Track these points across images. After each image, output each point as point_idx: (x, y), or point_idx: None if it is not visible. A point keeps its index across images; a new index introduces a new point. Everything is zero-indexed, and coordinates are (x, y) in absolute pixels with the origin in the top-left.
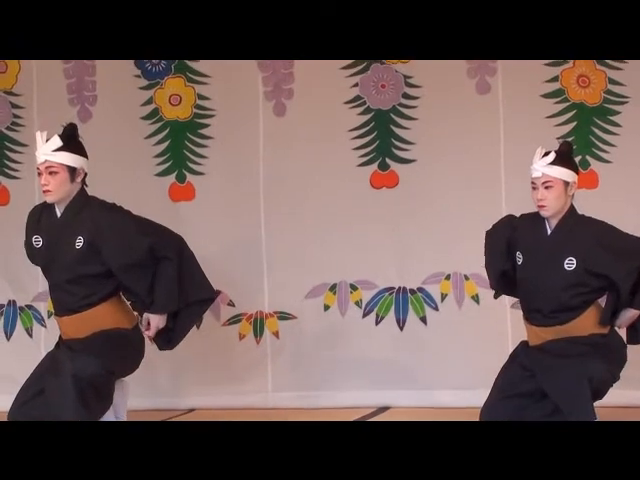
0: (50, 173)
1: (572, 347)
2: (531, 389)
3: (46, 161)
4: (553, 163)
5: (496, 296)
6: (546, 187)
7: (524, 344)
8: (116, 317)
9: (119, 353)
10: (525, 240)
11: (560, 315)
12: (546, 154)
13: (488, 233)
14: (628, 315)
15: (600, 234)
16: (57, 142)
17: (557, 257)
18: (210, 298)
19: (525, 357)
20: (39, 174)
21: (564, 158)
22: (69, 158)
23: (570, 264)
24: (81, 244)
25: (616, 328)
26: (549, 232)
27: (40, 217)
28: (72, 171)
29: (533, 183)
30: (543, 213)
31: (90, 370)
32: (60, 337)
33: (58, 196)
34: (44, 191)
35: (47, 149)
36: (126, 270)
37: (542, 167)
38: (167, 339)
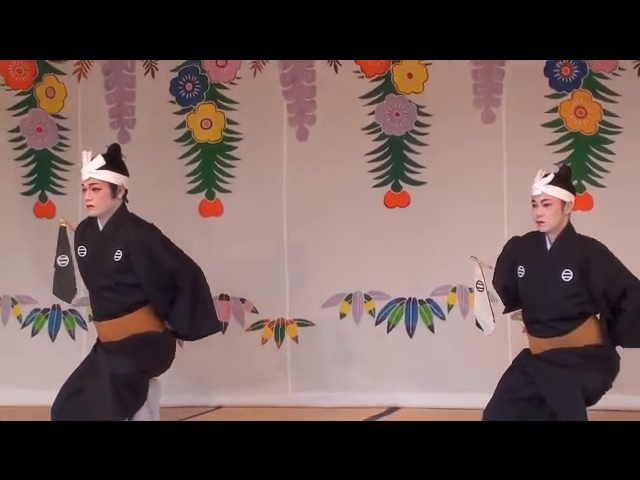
0: (93, 189)
1: (569, 357)
2: (531, 394)
3: (90, 178)
4: (552, 183)
5: (505, 311)
6: (545, 205)
7: (527, 351)
8: (150, 322)
9: (152, 354)
10: (527, 255)
11: (559, 325)
12: (546, 175)
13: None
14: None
15: (592, 253)
16: (100, 161)
17: (555, 269)
18: (216, 330)
19: (527, 364)
20: (83, 190)
21: (562, 180)
22: (111, 176)
23: (567, 275)
24: (120, 257)
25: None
26: (549, 247)
27: (85, 230)
28: (113, 188)
29: (533, 201)
30: (541, 228)
31: (125, 369)
32: (98, 340)
33: (100, 210)
34: (88, 205)
35: (91, 167)
36: (149, 286)
37: (542, 186)
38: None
